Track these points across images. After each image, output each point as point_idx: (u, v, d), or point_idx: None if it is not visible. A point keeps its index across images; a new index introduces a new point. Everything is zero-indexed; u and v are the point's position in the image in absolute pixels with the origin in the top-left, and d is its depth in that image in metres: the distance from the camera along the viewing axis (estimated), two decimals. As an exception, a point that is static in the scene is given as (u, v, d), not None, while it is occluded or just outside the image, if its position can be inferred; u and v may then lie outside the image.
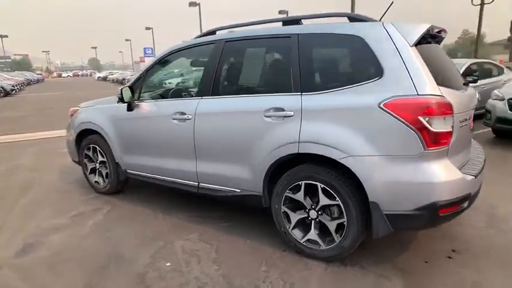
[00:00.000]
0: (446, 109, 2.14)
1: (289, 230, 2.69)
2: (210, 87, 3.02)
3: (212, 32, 3.27)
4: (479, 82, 7.48)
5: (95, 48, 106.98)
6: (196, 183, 3.18)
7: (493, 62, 9.69)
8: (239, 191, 2.91)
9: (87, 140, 4.11)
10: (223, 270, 2.53)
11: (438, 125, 2.12)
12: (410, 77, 2.17)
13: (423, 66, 2.19)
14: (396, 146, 2.19)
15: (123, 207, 3.77)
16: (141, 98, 3.57)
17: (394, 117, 2.16)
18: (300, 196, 2.58)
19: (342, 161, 2.31)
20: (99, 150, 3.99)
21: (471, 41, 41.27)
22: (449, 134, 2.17)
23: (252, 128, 2.71)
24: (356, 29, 2.39)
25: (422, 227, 2.36)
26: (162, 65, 3.60)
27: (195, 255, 2.75)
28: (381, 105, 2.19)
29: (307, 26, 2.65)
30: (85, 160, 4.21)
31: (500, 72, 8.84)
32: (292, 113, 2.51)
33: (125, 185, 4.13)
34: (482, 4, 19.60)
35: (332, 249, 2.51)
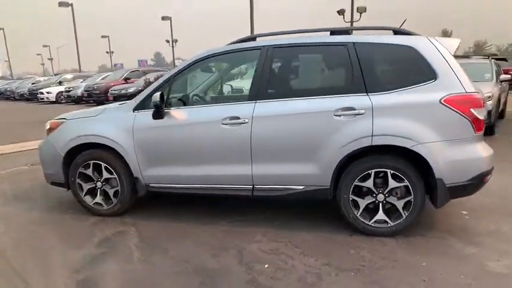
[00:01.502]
0: (483, 102, 2.87)
1: (358, 215, 3.04)
2: (264, 90, 3.12)
3: (253, 38, 3.36)
4: None
5: None
6: (251, 186, 3.22)
7: None
8: (302, 187, 3.11)
9: (83, 156, 3.57)
10: (321, 260, 2.72)
11: (481, 115, 2.82)
12: (458, 79, 2.83)
13: (463, 70, 2.88)
14: (454, 132, 2.80)
15: (151, 225, 3.44)
16: (168, 105, 3.35)
17: (453, 110, 2.77)
18: (369, 183, 2.97)
19: (414, 148, 2.81)
20: (105, 167, 3.52)
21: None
22: (484, 121, 2.91)
23: (321, 127, 2.97)
24: (408, 40, 2.94)
25: (471, 193, 3.02)
26: (192, 70, 3.45)
27: (281, 253, 2.84)
28: (442, 101, 2.78)
29: (360, 36, 3.07)
30: (78, 180, 3.63)
31: None
32: (363, 111, 2.88)
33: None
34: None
35: (400, 224, 2.97)
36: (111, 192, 3.60)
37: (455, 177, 2.84)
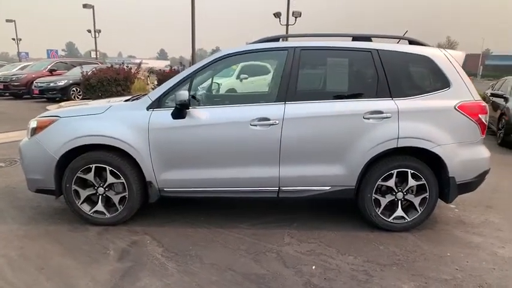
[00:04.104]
0: (487, 109, 3.27)
1: (379, 213, 3.23)
2: (294, 92, 3.12)
3: (276, 39, 3.31)
4: None
5: None
6: (277, 188, 3.19)
7: None
8: (329, 188, 3.19)
9: (83, 159, 3.15)
10: (359, 257, 2.83)
11: (485, 120, 3.22)
12: (467, 87, 3.18)
13: (470, 80, 3.25)
14: (465, 135, 3.15)
15: (167, 233, 3.18)
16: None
17: (464, 115, 3.11)
18: (391, 182, 3.18)
19: (433, 150, 3.08)
20: (111, 171, 3.16)
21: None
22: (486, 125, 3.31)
23: (350, 129, 3.08)
24: (425, 50, 3.21)
25: (473, 189, 3.39)
26: (213, 68, 3.27)
27: (319, 254, 2.88)
28: (456, 107, 3.10)
29: (382, 44, 3.25)
30: (75, 187, 3.20)
31: None
32: (390, 115, 3.07)
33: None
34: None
35: (415, 219, 3.23)
36: (116, 198, 3.23)
37: (465, 175, 3.19)
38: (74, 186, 3.20)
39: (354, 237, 3.17)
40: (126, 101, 3.51)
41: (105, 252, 2.84)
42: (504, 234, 3.28)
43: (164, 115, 3.11)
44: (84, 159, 3.16)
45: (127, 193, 3.20)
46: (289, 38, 3.61)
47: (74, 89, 13.29)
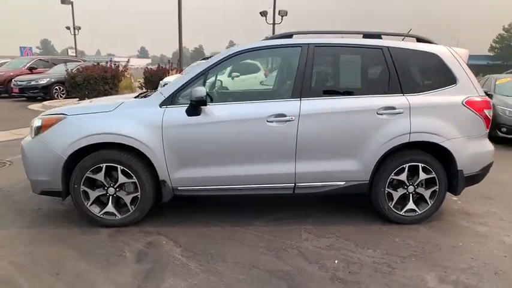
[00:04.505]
0: (491, 105, 3.40)
1: (391, 206, 3.30)
2: (308, 88, 3.14)
3: (289, 36, 3.31)
4: None
5: None
6: (293, 184, 3.19)
7: None
8: (344, 183, 3.22)
9: (93, 158, 3.04)
10: (378, 250, 2.88)
11: (490, 115, 3.35)
12: (472, 83, 3.30)
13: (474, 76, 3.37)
14: (472, 129, 3.26)
15: (182, 232, 3.12)
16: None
17: (471, 110, 3.22)
18: (403, 176, 3.25)
19: (443, 144, 3.17)
20: (123, 170, 3.06)
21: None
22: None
23: (365, 124, 3.13)
24: (432, 48, 3.30)
25: (479, 181, 3.53)
26: (227, 64, 3.23)
27: (339, 248, 2.91)
28: (463, 103, 3.21)
29: (392, 41, 3.31)
30: (83, 187, 3.08)
31: None
32: (402, 110, 3.14)
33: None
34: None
35: (426, 212, 3.31)
36: (127, 199, 3.14)
37: (471, 168, 3.30)
38: (82, 187, 3.09)
39: (368, 230, 3.23)
40: (137, 97, 3.40)
41: (121, 255, 2.76)
42: (506, 224, 3.42)
43: (178, 112, 3.05)
44: (93, 159, 3.05)
45: (139, 193, 3.12)
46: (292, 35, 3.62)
47: (57, 87, 12.84)
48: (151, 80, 13.70)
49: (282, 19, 21.20)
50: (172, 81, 3.21)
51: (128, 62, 12.62)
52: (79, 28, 28.66)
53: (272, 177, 3.17)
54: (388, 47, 3.25)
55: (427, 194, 3.31)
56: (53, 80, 12.81)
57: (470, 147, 3.26)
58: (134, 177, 3.08)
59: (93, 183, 3.13)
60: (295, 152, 3.12)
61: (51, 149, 3.03)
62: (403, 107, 3.15)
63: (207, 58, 13.26)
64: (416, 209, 3.32)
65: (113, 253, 2.78)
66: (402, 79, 3.22)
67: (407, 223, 3.33)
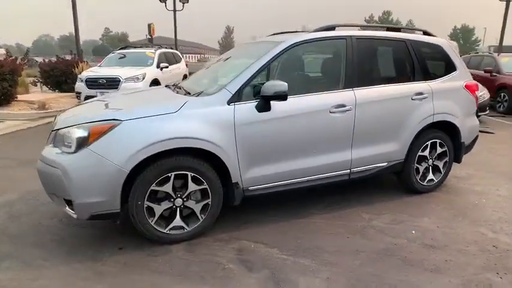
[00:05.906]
0: (479, 87, 4.17)
1: (418, 179, 3.81)
2: (358, 78, 3.34)
3: (332, 28, 3.41)
4: None
5: None
6: (348, 171, 3.39)
7: None
8: (386, 164, 3.58)
9: (157, 169, 2.65)
10: (432, 218, 3.33)
11: (478, 96, 4.12)
12: (465, 70, 4.01)
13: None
14: (468, 108, 3.97)
15: (260, 233, 3.01)
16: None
17: (468, 92, 3.93)
18: (426, 152, 3.79)
19: (454, 122, 3.80)
20: (193, 177, 2.77)
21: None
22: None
23: (404, 109, 3.53)
24: (437, 40, 3.88)
25: (470, 150, 4.28)
26: (285, 56, 3.14)
27: (400, 221, 3.25)
28: (464, 86, 3.89)
29: (410, 34, 3.76)
30: (147, 203, 2.68)
31: None
32: (427, 95, 3.63)
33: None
34: None
35: (441, 178, 3.94)
36: (197, 208, 2.85)
37: (468, 139, 4.05)
38: (146, 203, 2.67)
39: (406, 203, 3.67)
40: (198, 95, 3.01)
41: (225, 268, 2.54)
42: (489, 181, 4.31)
43: (248, 109, 2.89)
44: (159, 168, 2.66)
45: (210, 199, 2.87)
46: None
47: None
48: (53, 74, 11.77)
49: (183, 6, 20.44)
50: (233, 75, 2.96)
51: (27, 52, 10.49)
52: None
53: (333, 166, 3.30)
54: (409, 40, 3.69)
55: (441, 165, 3.93)
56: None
57: (467, 123, 3.99)
58: (205, 183, 2.82)
59: (156, 197, 2.73)
60: (352, 140, 3.32)
61: (107, 162, 2.52)
62: (428, 92, 3.65)
63: (125, 47, 12.11)
64: (434, 178, 3.92)
65: (212, 268, 2.54)
66: (422, 68, 3.71)
67: (428, 191, 3.90)
